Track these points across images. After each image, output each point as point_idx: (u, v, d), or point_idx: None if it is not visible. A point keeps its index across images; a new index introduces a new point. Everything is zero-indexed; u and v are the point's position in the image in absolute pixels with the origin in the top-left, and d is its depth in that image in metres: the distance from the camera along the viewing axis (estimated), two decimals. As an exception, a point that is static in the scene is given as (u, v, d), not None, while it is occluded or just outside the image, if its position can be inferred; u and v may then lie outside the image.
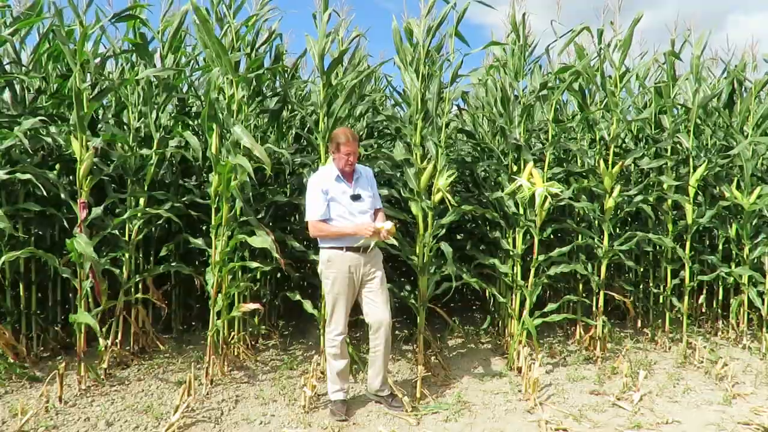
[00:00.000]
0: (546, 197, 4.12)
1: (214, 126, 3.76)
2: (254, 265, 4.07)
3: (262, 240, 3.78)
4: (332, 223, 3.49)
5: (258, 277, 4.77)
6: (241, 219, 4.06)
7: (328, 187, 3.49)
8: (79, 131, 3.62)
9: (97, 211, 3.89)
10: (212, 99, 3.68)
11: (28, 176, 3.67)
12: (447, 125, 4.26)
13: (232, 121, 3.76)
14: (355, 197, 3.53)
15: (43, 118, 3.90)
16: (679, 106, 5.28)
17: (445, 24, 4.11)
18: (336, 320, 3.54)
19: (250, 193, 4.23)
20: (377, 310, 3.54)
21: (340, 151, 3.46)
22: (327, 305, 3.60)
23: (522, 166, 4.41)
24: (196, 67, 5.06)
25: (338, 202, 3.49)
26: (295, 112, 5.09)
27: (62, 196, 3.85)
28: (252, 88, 4.38)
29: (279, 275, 5.40)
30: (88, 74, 3.93)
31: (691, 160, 4.91)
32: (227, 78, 3.82)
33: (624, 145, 5.54)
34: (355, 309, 3.70)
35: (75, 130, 3.63)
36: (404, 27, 4.17)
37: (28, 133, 3.84)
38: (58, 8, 3.71)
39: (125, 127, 4.57)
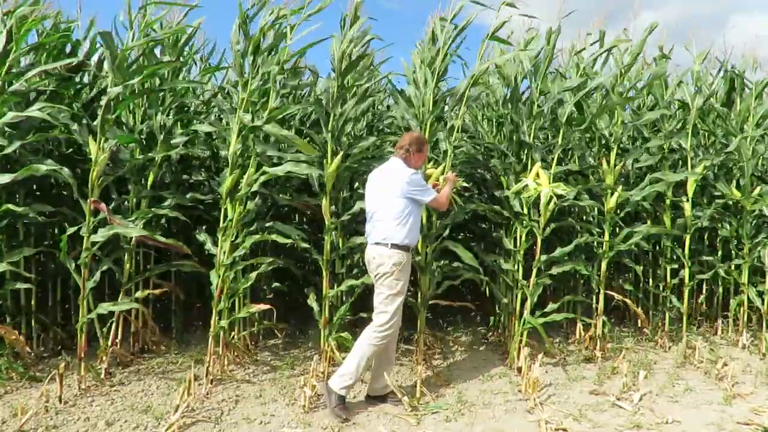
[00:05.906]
0: (551, 198, 4.12)
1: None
2: (265, 261, 4.17)
3: (290, 231, 4.00)
4: (412, 217, 3.63)
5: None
6: (245, 220, 4.07)
7: None
8: (99, 133, 3.64)
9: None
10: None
11: (55, 171, 3.69)
12: (458, 129, 4.30)
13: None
14: None
15: (68, 121, 3.95)
16: (678, 103, 5.28)
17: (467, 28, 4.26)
18: (396, 319, 3.58)
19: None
20: None
21: (422, 152, 3.79)
22: (386, 305, 3.55)
23: (529, 166, 4.41)
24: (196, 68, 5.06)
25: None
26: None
27: (75, 194, 3.81)
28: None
29: (278, 274, 5.39)
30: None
31: (689, 159, 4.91)
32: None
33: (621, 144, 5.53)
34: (360, 308, 3.70)
35: (96, 132, 3.65)
36: (428, 30, 4.36)
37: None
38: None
39: (124, 127, 4.56)
